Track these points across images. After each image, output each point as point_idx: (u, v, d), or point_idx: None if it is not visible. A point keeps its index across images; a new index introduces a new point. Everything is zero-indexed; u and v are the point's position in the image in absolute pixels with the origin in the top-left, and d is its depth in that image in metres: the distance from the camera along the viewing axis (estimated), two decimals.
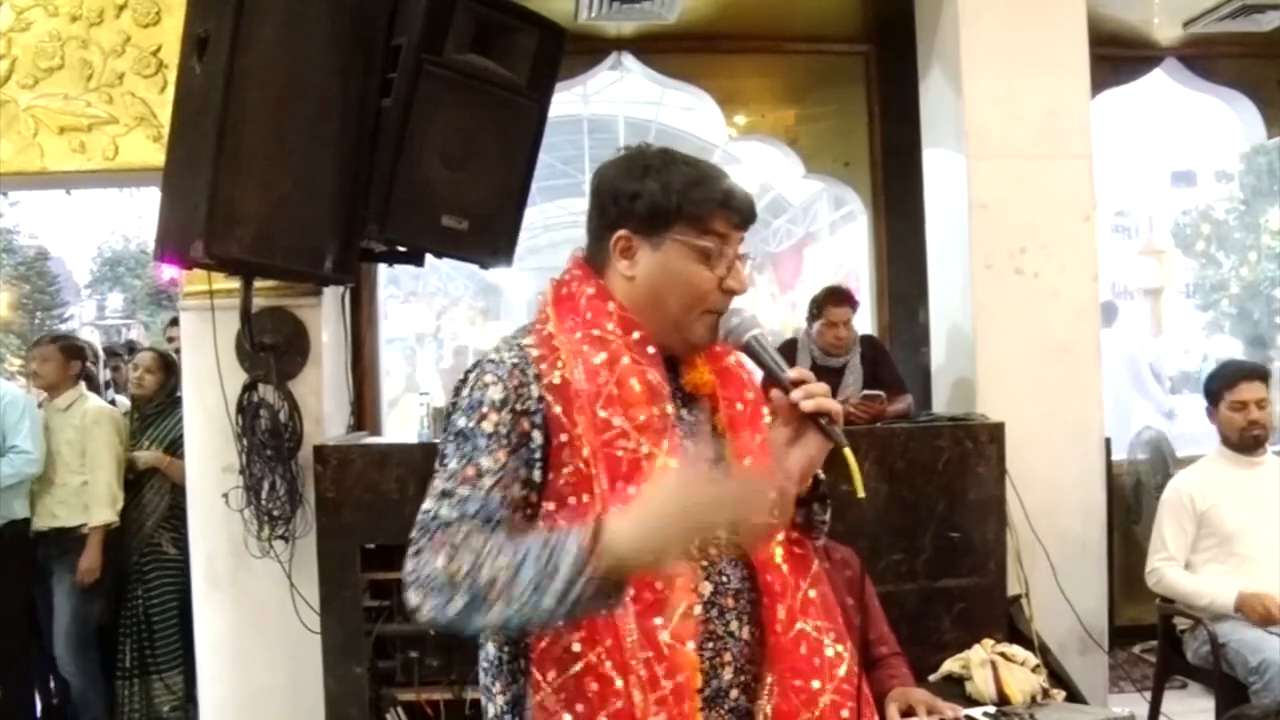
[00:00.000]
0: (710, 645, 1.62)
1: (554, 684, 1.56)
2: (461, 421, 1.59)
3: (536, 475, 1.58)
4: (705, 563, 1.61)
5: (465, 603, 1.46)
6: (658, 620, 1.54)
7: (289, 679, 3.91)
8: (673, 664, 1.55)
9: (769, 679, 1.66)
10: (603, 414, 1.58)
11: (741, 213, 1.71)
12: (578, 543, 1.43)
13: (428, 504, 1.56)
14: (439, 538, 1.52)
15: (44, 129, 4.03)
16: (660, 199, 1.67)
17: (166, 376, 5.12)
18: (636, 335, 1.65)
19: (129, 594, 4.95)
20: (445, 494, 1.55)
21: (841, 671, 1.69)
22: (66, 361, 5.06)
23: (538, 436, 1.58)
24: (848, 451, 1.62)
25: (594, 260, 1.74)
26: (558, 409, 1.58)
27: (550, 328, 1.67)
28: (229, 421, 3.86)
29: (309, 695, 3.73)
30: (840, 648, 1.70)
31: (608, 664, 1.54)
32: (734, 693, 1.64)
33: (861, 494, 1.58)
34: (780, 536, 1.69)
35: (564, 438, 1.58)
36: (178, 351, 5.34)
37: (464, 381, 1.64)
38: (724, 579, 1.64)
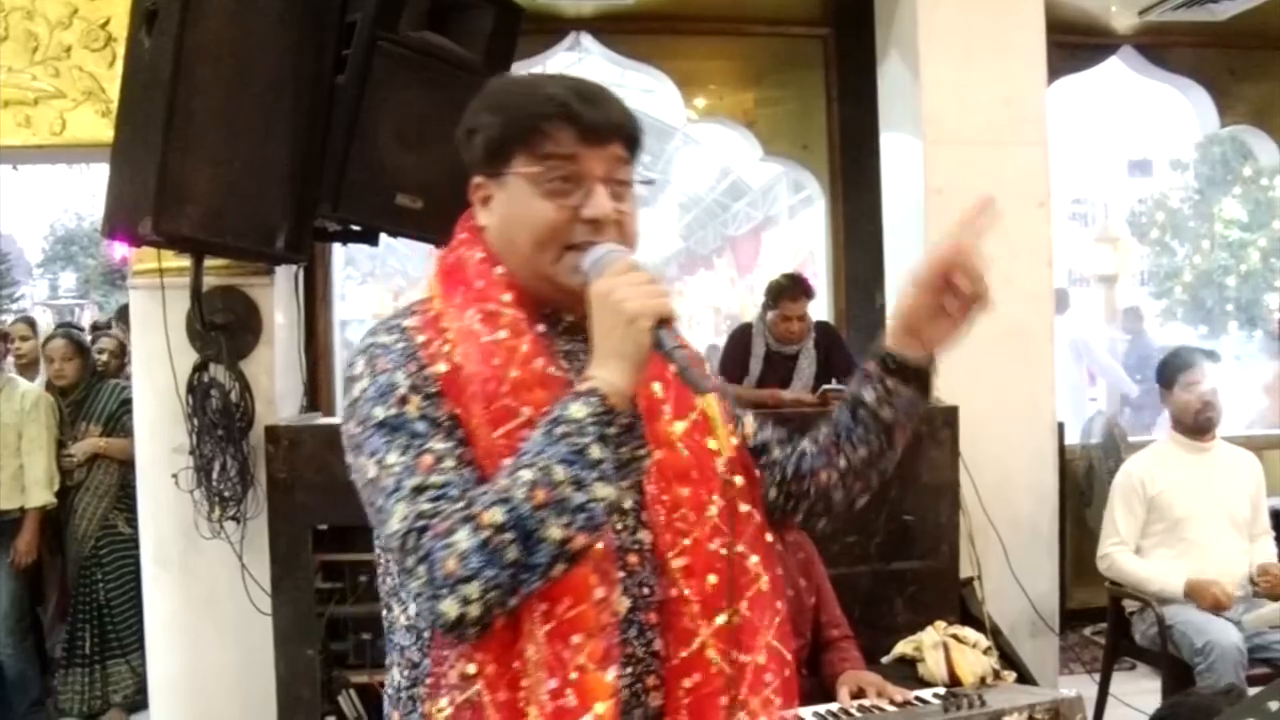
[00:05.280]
0: (630, 670, 1.36)
1: (447, 714, 1.34)
2: (379, 411, 1.33)
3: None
4: (624, 573, 1.36)
5: (519, 542, 1.22)
6: (575, 639, 1.30)
7: (240, 661, 3.87)
8: (587, 692, 1.29)
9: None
10: (503, 402, 1.34)
11: (585, 122, 1.39)
12: (584, 406, 1.26)
13: (399, 510, 1.28)
14: (440, 526, 1.25)
15: None
16: (490, 129, 1.42)
17: (84, 359, 5.08)
18: (508, 299, 1.41)
19: (86, 579, 4.91)
20: (418, 490, 1.28)
21: (753, 701, 1.42)
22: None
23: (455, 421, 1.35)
24: (711, 399, 1.43)
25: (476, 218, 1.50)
26: (450, 402, 1.34)
27: (437, 304, 1.42)
28: (179, 401, 3.81)
29: (260, 677, 3.70)
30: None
31: (502, 694, 1.30)
32: None
33: (726, 452, 1.43)
34: (716, 543, 1.43)
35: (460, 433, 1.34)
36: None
37: (354, 370, 1.39)
38: (646, 591, 1.38)
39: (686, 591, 1.40)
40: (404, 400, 1.33)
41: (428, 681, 1.37)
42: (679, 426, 1.46)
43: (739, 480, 1.48)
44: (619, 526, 1.38)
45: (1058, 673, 4.48)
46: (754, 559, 1.46)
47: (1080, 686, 3.50)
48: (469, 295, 1.41)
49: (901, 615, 3.79)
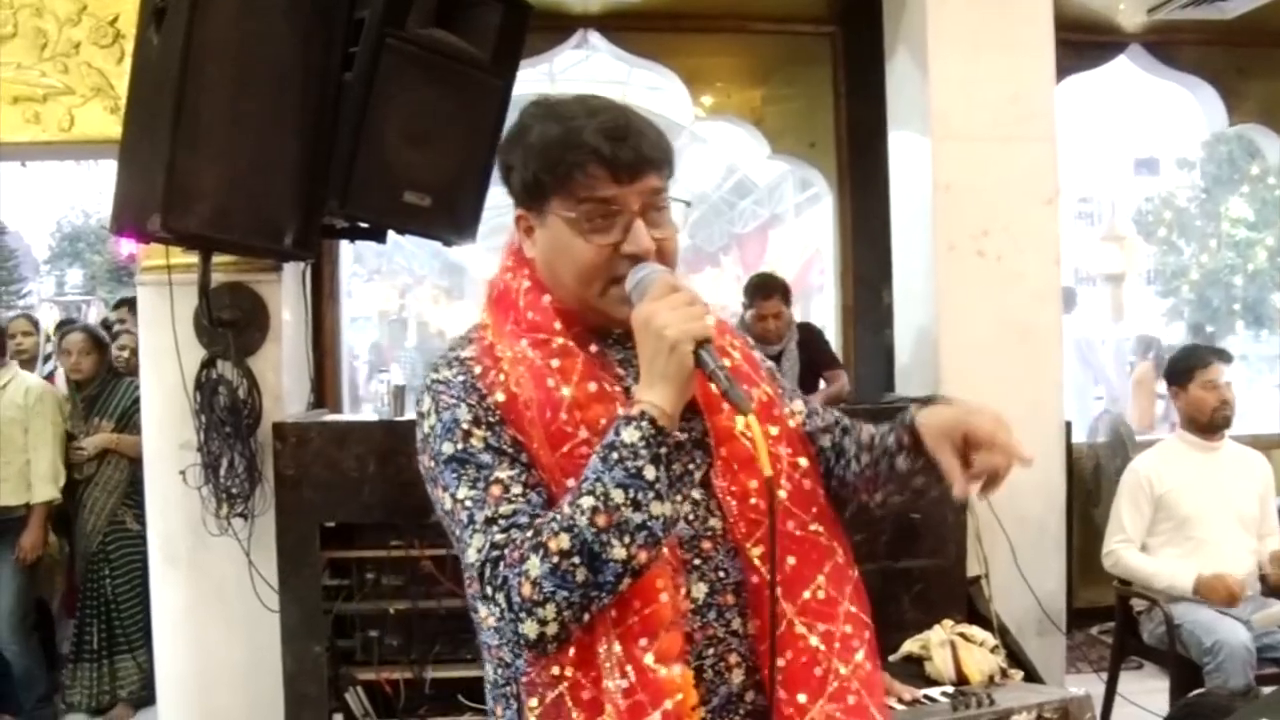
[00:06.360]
0: (712, 651, 1.45)
1: (538, 711, 1.43)
2: (448, 448, 1.42)
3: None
4: (700, 560, 1.45)
5: (586, 564, 1.31)
6: (642, 641, 1.38)
7: (247, 657, 3.88)
8: (656, 690, 1.37)
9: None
10: (559, 424, 1.42)
11: (618, 163, 1.43)
12: (635, 430, 1.34)
13: (475, 542, 1.37)
14: (513, 555, 1.34)
15: None
16: (525, 172, 1.48)
17: (102, 354, 5.10)
18: (559, 328, 1.48)
19: (94, 574, 4.93)
20: (490, 521, 1.37)
21: (844, 668, 1.50)
22: (4, 341, 5.04)
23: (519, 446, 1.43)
24: (752, 419, 1.38)
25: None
26: (511, 428, 1.43)
27: (490, 335, 1.50)
28: (187, 398, 3.81)
29: (267, 674, 3.69)
30: (839, 664, 1.50)
31: (585, 693, 1.40)
32: (750, 694, 1.47)
33: (768, 471, 1.37)
34: (790, 525, 1.50)
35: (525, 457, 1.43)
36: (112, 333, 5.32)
37: (422, 407, 1.48)
38: (721, 574, 1.46)
39: (754, 579, 1.47)
40: (468, 434, 1.42)
41: (523, 680, 1.46)
42: (739, 420, 1.49)
43: (804, 463, 1.56)
44: (690, 517, 1.46)
45: (1065, 672, 4.47)
46: (825, 534, 1.54)
47: (1087, 685, 3.50)
48: (521, 324, 1.49)
49: (909, 613, 3.78)
